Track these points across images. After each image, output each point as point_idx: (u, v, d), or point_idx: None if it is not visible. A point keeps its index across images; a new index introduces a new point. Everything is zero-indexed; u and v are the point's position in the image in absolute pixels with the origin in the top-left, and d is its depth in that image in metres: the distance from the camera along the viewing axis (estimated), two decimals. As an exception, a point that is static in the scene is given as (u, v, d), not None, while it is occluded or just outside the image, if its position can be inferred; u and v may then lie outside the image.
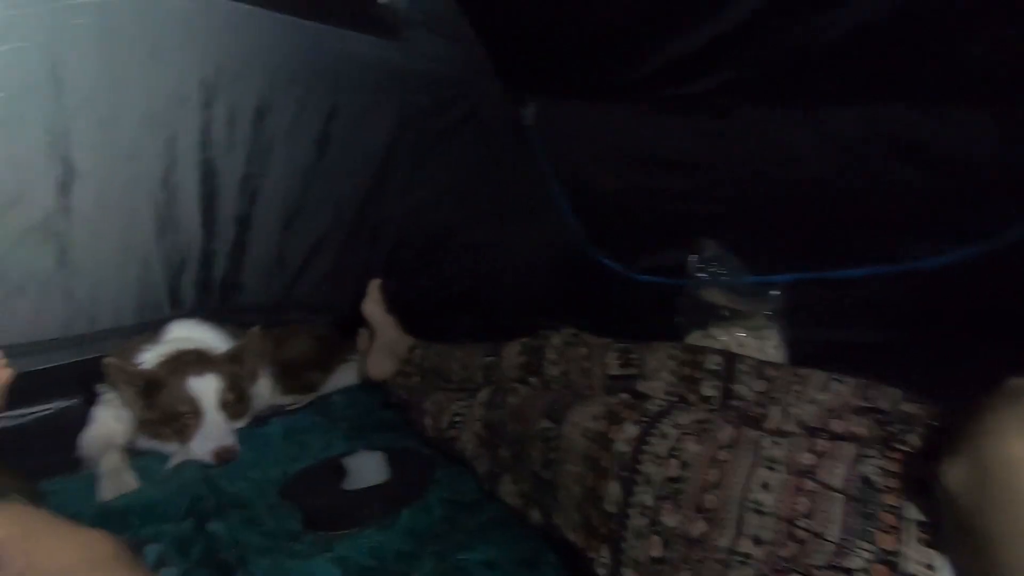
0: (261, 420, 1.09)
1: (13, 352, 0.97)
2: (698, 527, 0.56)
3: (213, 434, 0.95)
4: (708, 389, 0.74)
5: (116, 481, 0.87)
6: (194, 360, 0.99)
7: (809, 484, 0.53)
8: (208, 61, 1.04)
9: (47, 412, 1.04)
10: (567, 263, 1.36)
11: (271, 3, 1.07)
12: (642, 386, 0.80)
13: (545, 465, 0.72)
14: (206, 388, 0.97)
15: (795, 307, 1.01)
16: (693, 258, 1.07)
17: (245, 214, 1.19)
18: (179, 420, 0.95)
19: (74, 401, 1.05)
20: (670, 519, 0.57)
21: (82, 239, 1.00)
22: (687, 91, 1.03)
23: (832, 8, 0.80)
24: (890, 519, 0.48)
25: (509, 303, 1.42)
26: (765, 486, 0.54)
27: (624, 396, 0.79)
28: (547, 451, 0.72)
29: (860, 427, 0.59)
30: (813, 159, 0.94)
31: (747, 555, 0.52)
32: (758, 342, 0.99)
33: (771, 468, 0.55)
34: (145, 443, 0.98)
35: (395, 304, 1.24)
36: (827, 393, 0.66)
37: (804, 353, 0.97)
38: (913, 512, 0.48)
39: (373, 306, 1.23)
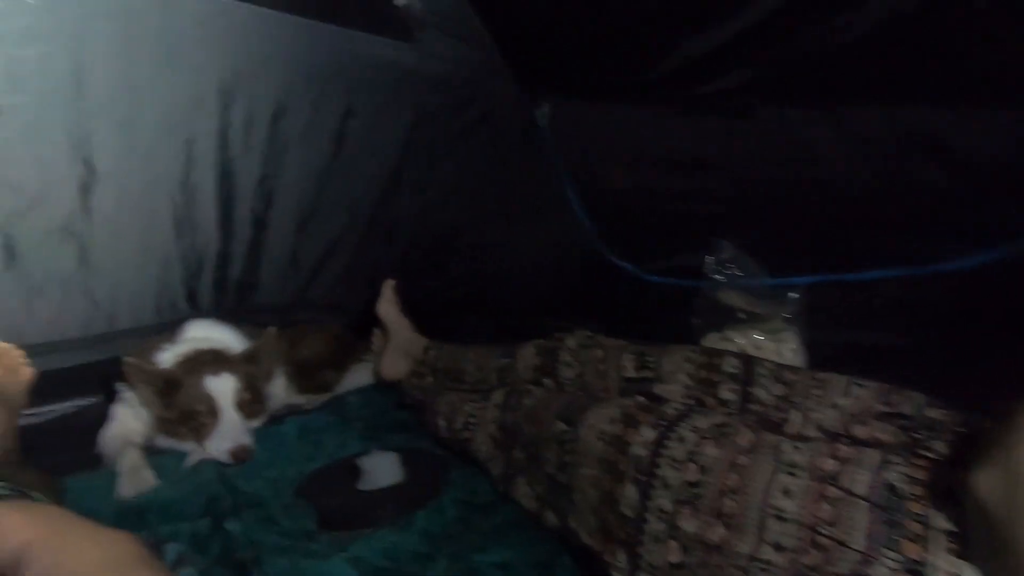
0: (276, 420, 1.10)
1: (35, 351, 0.99)
2: (717, 533, 0.55)
3: (229, 433, 0.95)
4: (726, 392, 0.73)
5: (135, 479, 0.88)
6: (211, 360, 1.00)
7: (832, 491, 0.52)
8: (226, 64, 1.05)
9: (68, 410, 1.06)
10: (579, 264, 1.35)
11: (287, 5, 1.08)
12: (658, 389, 0.79)
13: (560, 468, 0.72)
14: (223, 387, 0.97)
15: (814, 310, 0.99)
16: (709, 260, 1.06)
17: (261, 215, 1.20)
18: (196, 419, 0.96)
19: (94, 400, 1.07)
20: (688, 524, 0.56)
21: (102, 240, 1.02)
22: (704, 91, 1.02)
23: (854, 5, 0.79)
24: (916, 528, 0.47)
25: (520, 304, 1.41)
26: (786, 492, 0.53)
27: (640, 399, 0.78)
28: (563, 454, 0.72)
29: (884, 433, 0.58)
30: (834, 159, 0.93)
31: (768, 562, 0.51)
32: (776, 345, 0.98)
33: (792, 474, 0.55)
34: (163, 442, 0.99)
35: (409, 304, 1.24)
36: (848, 398, 0.65)
37: (823, 356, 0.96)
38: (940, 521, 0.47)
39: (388, 307, 1.23)
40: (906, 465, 0.52)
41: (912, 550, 0.46)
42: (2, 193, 0.91)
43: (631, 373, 0.83)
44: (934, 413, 0.61)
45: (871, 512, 0.49)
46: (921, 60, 0.80)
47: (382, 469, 0.87)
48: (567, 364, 0.90)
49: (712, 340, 1.03)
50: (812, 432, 0.62)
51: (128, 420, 1.00)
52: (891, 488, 0.50)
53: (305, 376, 1.21)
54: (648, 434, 0.64)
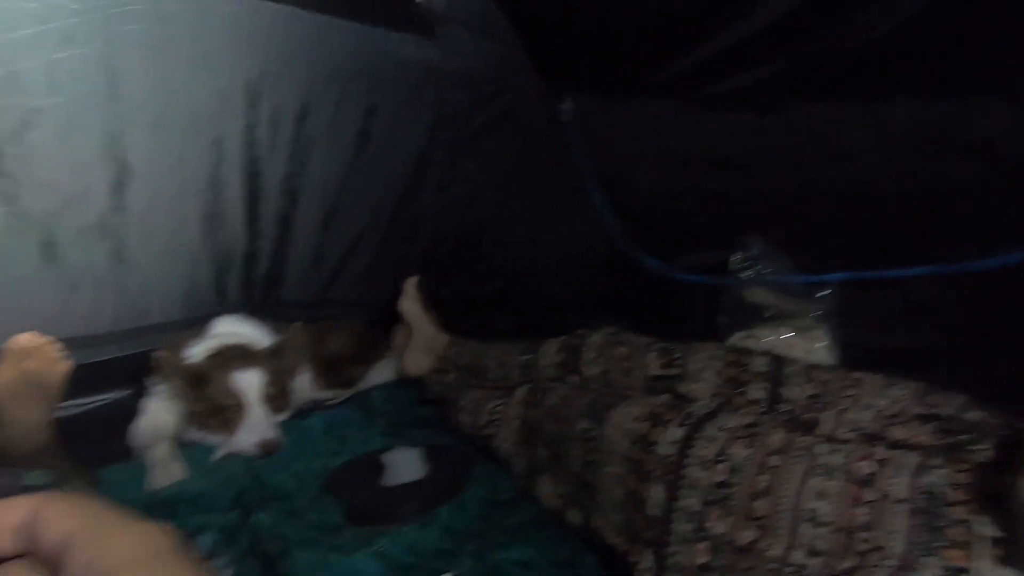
0: (302, 414, 1.11)
1: (70, 345, 1.01)
2: (747, 535, 0.54)
3: (257, 427, 0.97)
4: (755, 392, 0.71)
5: (166, 470, 0.91)
6: (238, 355, 1.02)
7: (869, 494, 0.50)
8: (253, 63, 1.06)
9: (101, 403, 1.09)
10: (603, 261, 1.34)
11: (312, 4, 1.09)
12: (685, 388, 0.78)
13: (585, 466, 0.71)
14: (250, 382, 0.99)
15: (845, 308, 0.97)
16: (737, 256, 1.04)
17: (287, 213, 1.21)
18: (224, 413, 0.98)
19: (126, 393, 1.09)
20: (717, 526, 0.55)
21: (135, 237, 1.04)
22: (731, 86, 1.00)
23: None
24: (960, 534, 0.46)
25: (543, 301, 1.41)
26: (821, 495, 0.52)
27: (666, 397, 0.77)
28: (587, 452, 0.71)
29: (922, 435, 0.56)
30: (866, 155, 0.90)
31: (801, 566, 0.50)
32: (805, 344, 0.96)
33: (827, 476, 0.53)
34: (193, 435, 1.01)
35: (431, 301, 1.25)
36: (884, 398, 0.63)
37: (855, 356, 0.93)
38: (985, 527, 0.45)
39: (410, 303, 1.24)
40: (947, 468, 0.50)
41: (956, 557, 0.45)
42: (41, 192, 0.94)
43: (656, 371, 0.81)
44: (974, 415, 0.58)
45: (910, 517, 0.48)
46: (958, 52, 0.77)
47: (406, 465, 0.88)
48: (591, 361, 0.89)
49: (739, 338, 1.01)
50: (846, 433, 0.60)
51: (159, 413, 1.02)
52: (932, 492, 0.48)
53: (330, 371, 1.22)
54: (675, 433, 0.63)
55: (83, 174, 0.97)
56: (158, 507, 0.82)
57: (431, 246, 1.42)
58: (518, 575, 0.70)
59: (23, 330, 0.97)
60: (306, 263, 1.29)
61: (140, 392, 1.06)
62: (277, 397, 1.03)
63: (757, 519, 0.54)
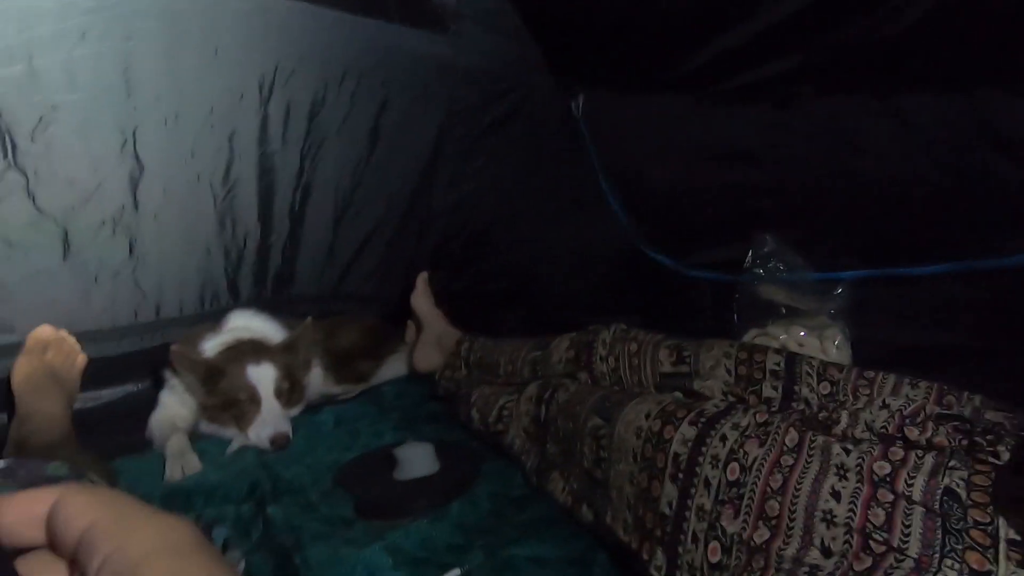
0: (314, 408, 1.12)
1: (87, 338, 1.03)
2: (761, 534, 0.53)
3: (270, 420, 0.98)
4: (769, 390, 0.71)
5: (181, 462, 0.92)
6: (252, 349, 1.03)
7: (885, 495, 0.50)
8: (267, 60, 1.07)
9: (117, 396, 1.10)
10: (616, 258, 1.33)
11: (325, 0, 1.09)
12: (697, 385, 0.77)
13: (596, 463, 0.71)
14: (263, 376, 1.00)
15: (862, 306, 0.95)
16: (751, 254, 1.03)
17: (299, 208, 1.22)
18: (238, 406, 0.99)
19: (142, 386, 1.11)
20: (730, 524, 0.55)
21: (149, 233, 1.06)
22: (747, 79, 0.99)
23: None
24: (980, 536, 0.45)
25: (555, 298, 1.40)
26: (836, 494, 0.52)
27: (677, 395, 0.77)
28: (598, 449, 0.71)
29: (940, 435, 0.55)
30: (887, 149, 0.88)
31: (815, 566, 0.50)
32: (819, 342, 0.95)
33: (842, 476, 0.53)
34: (207, 428, 1.02)
35: (442, 297, 1.25)
36: (900, 398, 0.62)
37: (870, 355, 0.92)
38: (1007, 530, 0.44)
39: (421, 299, 1.24)
40: (966, 470, 0.49)
41: (975, 560, 0.44)
42: (60, 188, 0.95)
43: (667, 368, 0.81)
44: (994, 416, 0.57)
45: (928, 518, 0.47)
46: (979, 46, 0.75)
47: (417, 460, 0.88)
48: (602, 358, 0.89)
49: (753, 336, 1.00)
50: (862, 433, 0.60)
51: (175, 406, 1.04)
52: (950, 493, 0.48)
53: (342, 366, 1.23)
54: (687, 431, 0.62)
55: (100, 169, 0.98)
56: (174, 498, 0.84)
57: (442, 242, 1.42)
58: (530, 571, 0.70)
59: (42, 324, 0.98)
60: (318, 258, 1.29)
61: (156, 385, 1.07)
62: (290, 391, 1.04)
63: (771, 518, 0.53)
